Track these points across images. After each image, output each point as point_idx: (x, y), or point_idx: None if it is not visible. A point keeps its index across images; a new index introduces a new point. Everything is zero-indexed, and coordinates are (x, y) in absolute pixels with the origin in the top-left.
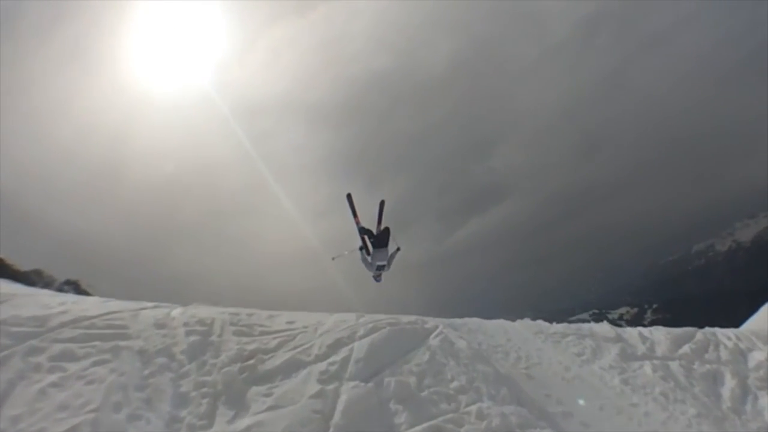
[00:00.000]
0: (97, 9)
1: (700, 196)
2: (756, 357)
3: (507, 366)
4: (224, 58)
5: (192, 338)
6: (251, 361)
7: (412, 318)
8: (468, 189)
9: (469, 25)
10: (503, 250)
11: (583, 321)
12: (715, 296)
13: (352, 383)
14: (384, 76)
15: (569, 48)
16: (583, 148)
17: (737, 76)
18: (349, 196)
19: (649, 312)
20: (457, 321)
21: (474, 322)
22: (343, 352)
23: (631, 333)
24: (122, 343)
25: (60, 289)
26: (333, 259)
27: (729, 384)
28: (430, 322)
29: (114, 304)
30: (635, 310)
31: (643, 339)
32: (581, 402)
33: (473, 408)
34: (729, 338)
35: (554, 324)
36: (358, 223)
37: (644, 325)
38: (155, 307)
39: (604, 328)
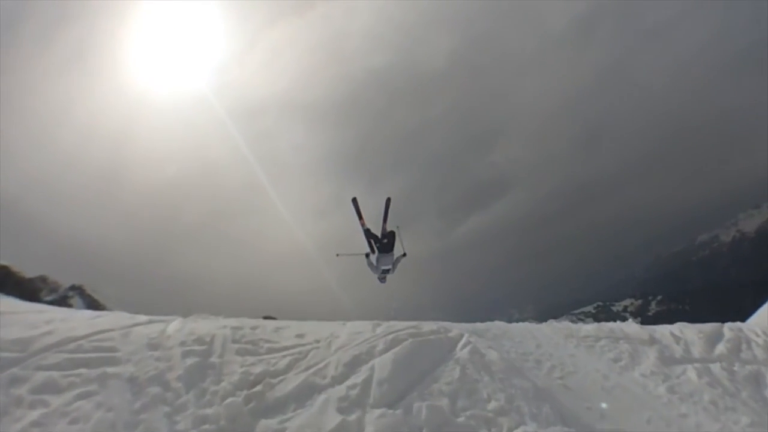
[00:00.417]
0: (96, 12)
1: (704, 187)
2: None
3: (542, 377)
4: (223, 59)
5: (189, 361)
6: (258, 388)
7: (433, 326)
8: (469, 184)
9: (467, 21)
10: (506, 245)
11: (587, 314)
12: (719, 287)
13: (377, 411)
14: (383, 74)
15: (568, 41)
16: (585, 141)
17: (739, 66)
18: (354, 201)
19: (653, 304)
20: (480, 326)
21: (498, 326)
22: (363, 372)
23: (663, 333)
24: (110, 370)
25: (65, 295)
26: (337, 255)
27: None
28: (454, 329)
29: (104, 321)
30: (639, 302)
31: (676, 339)
32: (626, 415)
33: None
34: (757, 334)
35: (582, 325)
36: (363, 225)
37: (649, 317)
38: (149, 322)
39: (634, 328)
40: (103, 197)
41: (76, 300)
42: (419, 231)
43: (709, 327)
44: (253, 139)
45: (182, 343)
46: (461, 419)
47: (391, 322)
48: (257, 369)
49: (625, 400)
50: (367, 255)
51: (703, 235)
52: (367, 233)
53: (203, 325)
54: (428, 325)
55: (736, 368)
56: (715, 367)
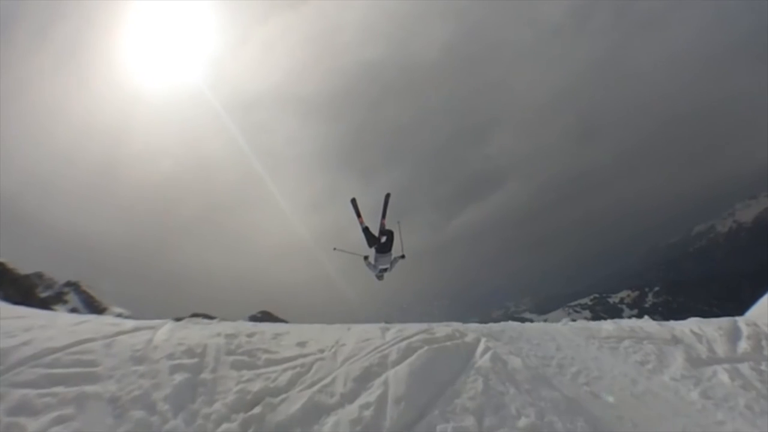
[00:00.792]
0: (91, 10)
1: (700, 177)
2: None
3: (567, 384)
4: (217, 53)
5: (178, 377)
6: (257, 409)
7: (447, 329)
8: (464, 176)
9: (461, 12)
10: (502, 236)
11: (584, 306)
12: (716, 278)
13: None
14: (376, 66)
15: (564, 33)
16: (580, 132)
17: (734, 56)
18: (353, 201)
19: (650, 295)
20: (495, 327)
21: (512, 327)
22: (375, 387)
23: (683, 331)
24: (90, 389)
25: (60, 292)
26: (335, 249)
27: None
28: (469, 332)
29: (86, 328)
30: (636, 293)
31: (698, 337)
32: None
33: None
34: None
35: (602, 324)
36: (362, 223)
37: (646, 309)
38: (134, 330)
39: (653, 326)
40: (100, 193)
41: (71, 296)
42: (415, 223)
43: (725, 323)
44: (247, 132)
45: (170, 356)
46: None
47: (400, 325)
48: (255, 386)
49: (656, 407)
50: (366, 258)
51: (700, 226)
52: (366, 232)
53: (194, 333)
54: (441, 329)
55: (763, 368)
56: (744, 368)
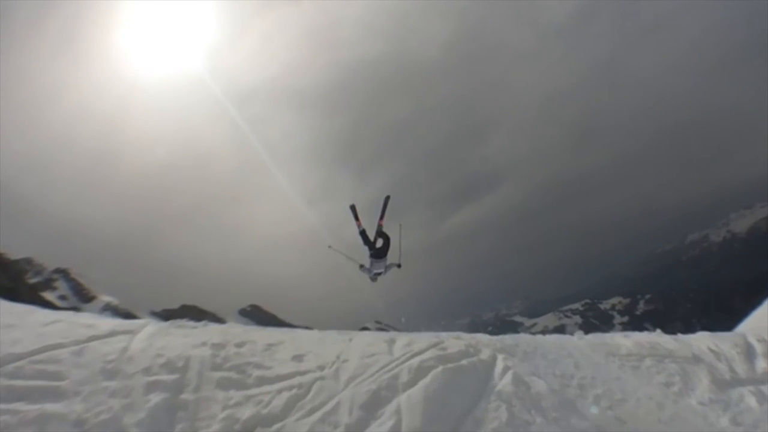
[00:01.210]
0: None
1: (696, 186)
2: None
3: (589, 406)
4: (215, 44)
5: (155, 398)
6: None
7: (459, 342)
8: (460, 176)
9: (463, 11)
10: (495, 238)
11: (575, 311)
12: (709, 287)
13: None
14: (376, 62)
15: (565, 35)
16: (577, 136)
17: (735, 65)
18: (352, 207)
19: (641, 303)
20: (507, 340)
21: (525, 340)
22: (386, 417)
23: (699, 347)
24: (52, 408)
25: (50, 278)
26: (329, 247)
27: None
28: (483, 348)
29: (56, 330)
30: (628, 300)
31: (717, 355)
32: None
33: None
34: None
35: (618, 337)
36: (359, 226)
37: (637, 316)
38: (109, 335)
39: (668, 341)
40: (95, 179)
41: (60, 283)
42: (409, 222)
43: (737, 339)
44: (244, 124)
45: (147, 370)
46: None
47: (406, 336)
48: (245, 412)
49: None
50: (361, 267)
51: (694, 234)
52: (363, 235)
53: (176, 341)
54: (453, 343)
55: None
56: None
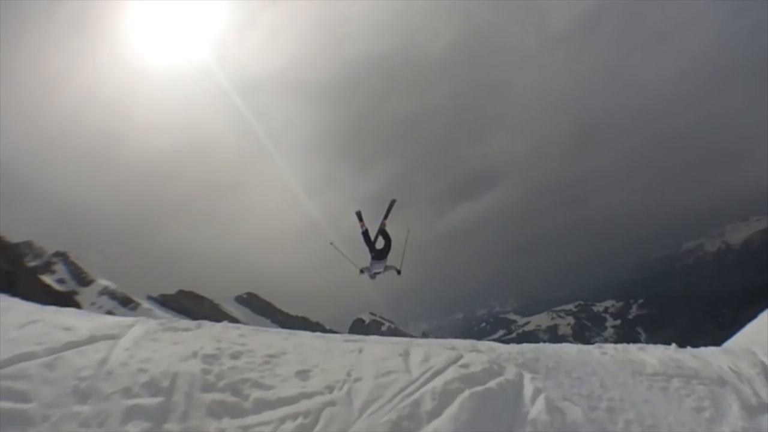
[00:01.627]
0: None
1: (693, 195)
2: None
3: None
4: (223, 34)
5: (133, 429)
6: None
7: (481, 359)
8: (460, 173)
9: (470, 12)
10: (492, 237)
11: (568, 312)
12: (701, 296)
13: None
14: (382, 59)
15: (570, 40)
16: (577, 140)
17: (736, 78)
18: (358, 213)
19: (634, 307)
20: (528, 353)
21: (547, 353)
22: None
23: (720, 366)
24: None
25: (49, 261)
26: (331, 244)
27: None
28: (507, 366)
29: (33, 332)
30: (621, 303)
31: (738, 375)
32: None
33: None
34: None
35: (644, 356)
36: (363, 226)
37: (629, 320)
38: (89, 341)
39: (687, 357)
40: (97, 163)
41: (59, 266)
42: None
43: (749, 356)
44: (248, 114)
45: (126, 391)
46: None
47: (419, 345)
48: None
49: None
50: (361, 271)
51: (689, 243)
52: (365, 236)
53: (163, 351)
54: (473, 357)
55: None
56: None
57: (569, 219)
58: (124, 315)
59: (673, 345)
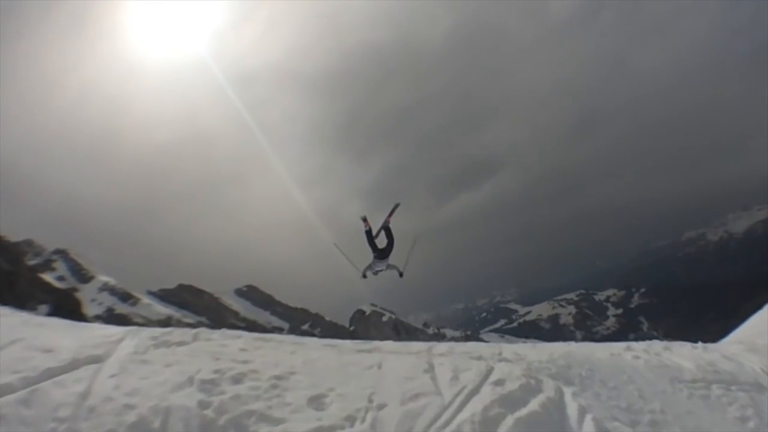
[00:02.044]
0: None
1: (695, 184)
2: None
3: None
4: (221, 27)
5: None
6: None
7: (515, 371)
8: (460, 163)
9: (469, 0)
10: (492, 226)
11: (570, 301)
12: (703, 285)
13: None
14: (380, 49)
15: (570, 29)
16: (578, 128)
17: (738, 68)
18: (364, 218)
19: (636, 296)
20: (558, 359)
21: (578, 360)
22: None
23: (751, 367)
24: None
25: (49, 259)
26: (334, 244)
27: None
28: (543, 380)
29: (12, 356)
30: (623, 292)
31: None
32: None
33: None
34: None
35: (678, 361)
36: (367, 225)
37: (631, 309)
38: (71, 367)
39: (718, 357)
40: (96, 159)
41: (59, 264)
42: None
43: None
44: (246, 107)
45: None
46: None
47: (446, 361)
48: None
49: None
50: (364, 275)
51: (691, 232)
52: (368, 235)
53: (154, 377)
54: (504, 369)
55: None
56: None
57: (570, 207)
58: (125, 311)
59: (701, 344)
